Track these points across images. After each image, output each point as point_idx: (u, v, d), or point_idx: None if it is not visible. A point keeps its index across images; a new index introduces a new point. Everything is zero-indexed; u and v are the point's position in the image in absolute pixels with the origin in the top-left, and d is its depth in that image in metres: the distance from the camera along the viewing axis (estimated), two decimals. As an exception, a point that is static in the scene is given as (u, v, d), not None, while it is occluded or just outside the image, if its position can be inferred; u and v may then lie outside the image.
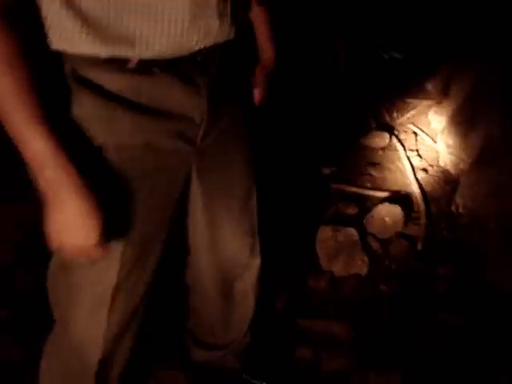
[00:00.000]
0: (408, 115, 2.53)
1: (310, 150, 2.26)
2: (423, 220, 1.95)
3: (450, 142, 2.23)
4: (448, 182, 2.14)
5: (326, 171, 2.18)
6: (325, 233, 1.81)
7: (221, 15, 0.77)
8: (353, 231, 1.82)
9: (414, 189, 2.10)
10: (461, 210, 1.97)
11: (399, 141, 2.38)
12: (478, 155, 2.08)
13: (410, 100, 2.63)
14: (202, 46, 0.78)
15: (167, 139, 0.82)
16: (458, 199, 2.00)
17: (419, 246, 1.85)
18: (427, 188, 2.12)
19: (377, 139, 2.37)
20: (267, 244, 1.67)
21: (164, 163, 0.84)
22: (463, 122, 2.22)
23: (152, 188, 0.85)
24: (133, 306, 0.91)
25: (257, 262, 1.14)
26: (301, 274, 1.75)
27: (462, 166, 2.15)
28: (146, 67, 0.75)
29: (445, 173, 2.19)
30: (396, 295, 1.69)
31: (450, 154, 2.22)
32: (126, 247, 0.85)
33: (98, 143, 0.77)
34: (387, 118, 2.53)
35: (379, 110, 2.57)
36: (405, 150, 2.33)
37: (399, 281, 1.74)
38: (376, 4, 2.84)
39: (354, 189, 2.10)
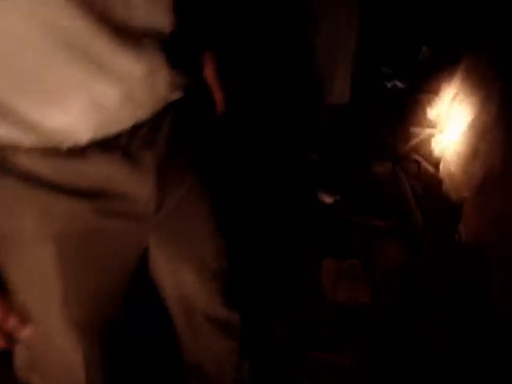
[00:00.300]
0: (411, 144, 2.55)
1: (313, 179, 2.28)
2: (426, 248, 1.96)
3: (453, 170, 2.24)
4: (451, 210, 2.15)
5: (329, 200, 2.20)
6: (328, 263, 1.82)
7: (154, 85, 0.72)
8: (356, 261, 1.83)
9: (417, 217, 2.11)
10: (464, 239, 1.98)
11: (402, 169, 2.40)
12: (480, 184, 2.09)
13: (412, 129, 2.65)
14: (137, 121, 0.72)
15: (112, 221, 0.77)
16: (461, 227, 2.01)
17: (422, 275, 1.85)
18: (430, 217, 2.13)
19: (380, 168, 2.40)
20: (269, 273, 1.68)
21: (111, 245, 0.80)
22: (465, 151, 2.24)
23: (100, 269, 0.81)
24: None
25: (234, 317, 1.10)
26: (305, 303, 1.76)
27: (464, 194, 2.15)
28: (80, 149, 0.69)
29: (447, 201, 2.20)
30: (400, 325, 1.69)
31: (453, 182, 2.23)
32: (80, 331, 0.81)
33: (33, 234, 0.73)
34: (390, 147, 2.55)
35: (382, 138, 2.60)
36: (408, 178, 2.35)
37: (403, 310, 1.74)
38: (379, 33, 2.87)
39: (357, 218, 2.12)
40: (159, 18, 0.71)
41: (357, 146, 2.51)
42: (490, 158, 2.10)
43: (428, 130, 2.61)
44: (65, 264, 0.75)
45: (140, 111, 0.72)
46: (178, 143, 0.83)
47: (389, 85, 2.90)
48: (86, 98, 0.66)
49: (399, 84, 2.90)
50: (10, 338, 0.79)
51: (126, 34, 0.67)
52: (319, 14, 2.09)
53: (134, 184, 0.77)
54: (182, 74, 0.77)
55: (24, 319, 0.78)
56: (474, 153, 2.20)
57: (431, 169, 2.39)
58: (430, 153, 2.49)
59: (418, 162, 2.44)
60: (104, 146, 0.71)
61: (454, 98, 2.57)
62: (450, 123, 2.50)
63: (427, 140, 2.56)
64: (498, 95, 2.23)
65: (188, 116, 0.86)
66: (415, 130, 2.63)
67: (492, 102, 2.25)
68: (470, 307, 1.73)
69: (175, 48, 0.74)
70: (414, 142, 2.56)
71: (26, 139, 0.66)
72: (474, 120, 2.32)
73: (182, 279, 1.00)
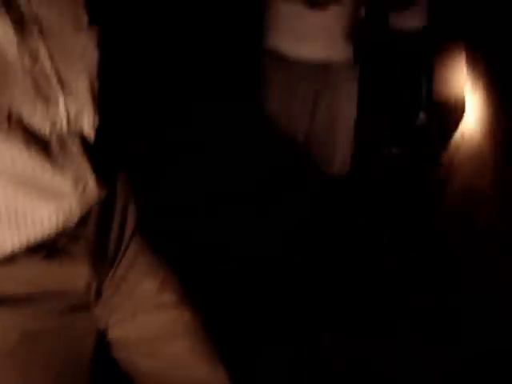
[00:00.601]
0: (408, 212, 2.57)
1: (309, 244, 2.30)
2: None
3: (449, 242, 2.26)
4: (449, 274, 2.15)
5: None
6: (326, 337, 1.85)
7: (82, 193, 0.71)
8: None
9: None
10: (465, 305, 1.98)
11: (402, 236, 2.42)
12: (478, 249, 2.10)
13: (409, 196, 2.67)
14: (64, 227, 0.71)
15: (51, 320, 0.75)
16: (461, 294, 2.02)
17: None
18: (428, 278, 2.14)
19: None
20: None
21: (57, 343, 0.77)
22: (459, 222, 2.26)
23: (51, 372, 0.77)
24: None
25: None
26: (302, 368, 1.76)
27: (463, 260, 2.16)
28: (7, 257, 0.68)
29: (446, 267, 2.21)
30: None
31: (450, 251, 2.25)
32: None
33: None
34: (388, 215, 2.57)
35: (380, 206, 2.62)
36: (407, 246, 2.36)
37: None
38: (377, 101, 2.94)
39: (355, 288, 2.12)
40: (86, 122, 0.71)
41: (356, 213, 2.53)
42: (488, 224, 2.12)
43: (425, 197, 2.63)
44: (5, 378, 0.72)
45: (70, 217, 0.71)
46: (110, 224, 0.83)
47: (386, 151, 2.95)
48: (13, 214, 0.66)
49: (395, 150, 2.94)
50: None
51: (51, 147, 0.67)
52: (319, 86, 2.15)
53: (68, 279, 0.76)
54: (109, 170, 0.77)
55: None
56: (471, 219, 2.22)
57: (429, 237, 2.41)
58: (428, 219, 2.50)
59: (417, 231, 2.45)
60: (30, 250, 0.70)
61: (451, 164, 2.60)
62: (446, 189, 2.52)
63: (424, 207, 2.58)
64: (493, 164, 2.26)
65: (117, 198, 0.85)
66: (413, 196, 2.66)
67: (488, 171, 2.28)
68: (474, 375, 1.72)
69: (99, 148, 0.73)
70: (411, 209, 2.58)
71: None
72: (470, 188, 2.34)
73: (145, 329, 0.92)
